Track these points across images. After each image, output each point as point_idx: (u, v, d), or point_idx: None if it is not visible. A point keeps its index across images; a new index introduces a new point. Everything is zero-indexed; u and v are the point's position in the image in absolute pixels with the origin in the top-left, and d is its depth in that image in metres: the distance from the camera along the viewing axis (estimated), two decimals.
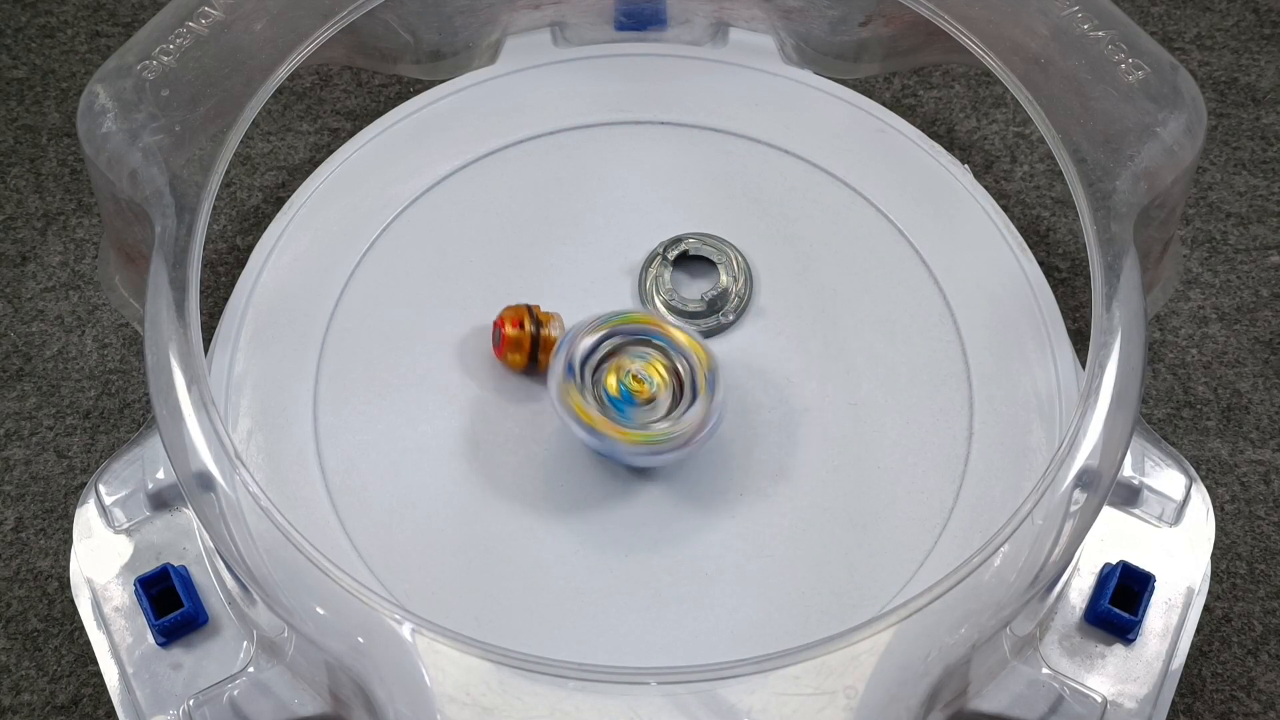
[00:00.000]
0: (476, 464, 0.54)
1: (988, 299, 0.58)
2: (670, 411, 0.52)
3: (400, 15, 0.65)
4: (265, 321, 0.58)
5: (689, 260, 0.59)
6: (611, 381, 0.52)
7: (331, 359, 0.57)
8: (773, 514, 0.53)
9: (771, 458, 0.54)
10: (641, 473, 0.54)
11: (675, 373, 0.53)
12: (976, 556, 0.47)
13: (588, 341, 0.53)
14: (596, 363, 0.53)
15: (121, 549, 0.53)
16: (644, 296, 0.58)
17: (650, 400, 0.52)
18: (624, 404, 0.52)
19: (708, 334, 0.57)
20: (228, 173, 0.55)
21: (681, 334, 0.53)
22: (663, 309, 0.58)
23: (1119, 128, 0.55)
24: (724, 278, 0.58)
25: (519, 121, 0.64)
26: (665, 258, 0.59)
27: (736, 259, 0.59)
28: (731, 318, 0.58)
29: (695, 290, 0.59)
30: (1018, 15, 0.58)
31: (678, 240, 0.59)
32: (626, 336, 0.53)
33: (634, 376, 0.52)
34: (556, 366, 0.52)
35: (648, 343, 0.53)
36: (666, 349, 0.53)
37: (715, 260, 0.59)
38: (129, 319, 0.63)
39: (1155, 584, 0.52)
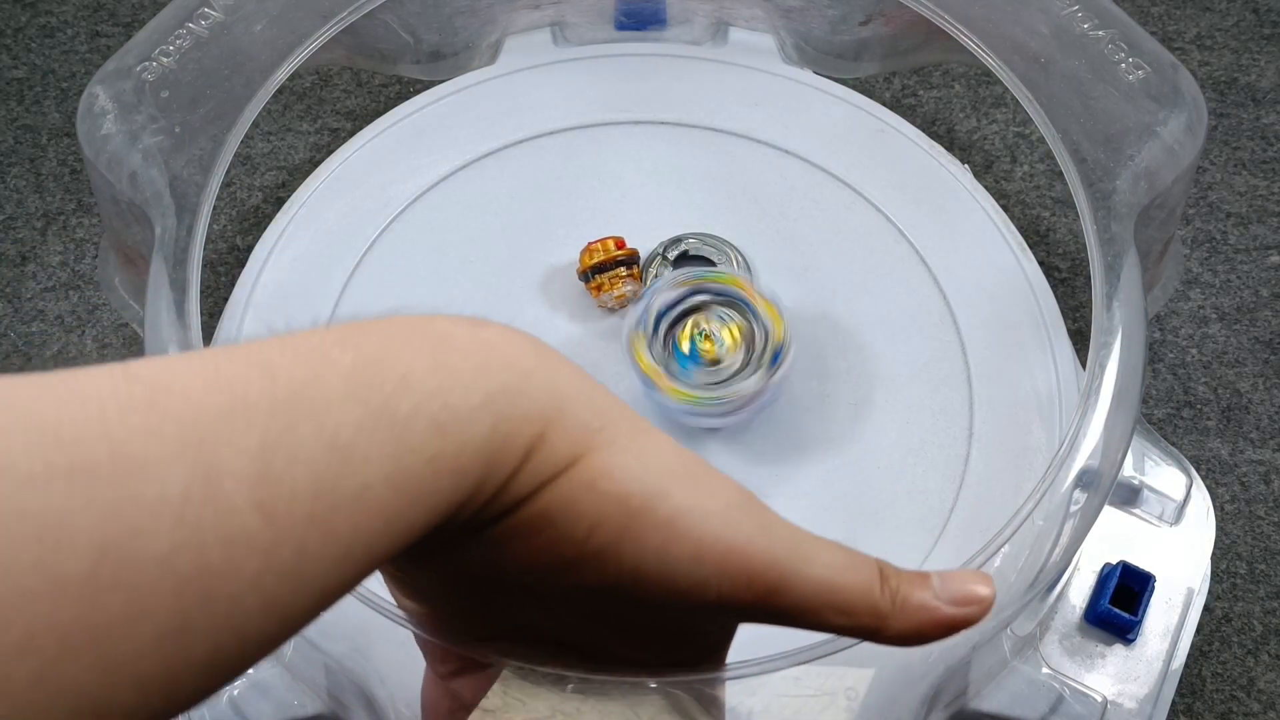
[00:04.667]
0: None
1: (988, 299, 0.58)
2: (735, 375, 0.53)
3: (400, 16, 0.65)
4: (265, 321, 0.58)
5: (690, 260, 0.59)
6: (685, 336, 0.53)
7: None
8: None
9: (772, 457, 0.54)
10: None
11: (750, 338, 0.54)
12: (977, 557, 0.47)
13: (670, 295, 0.54)
14: (675, 317, 0.54)
15: None
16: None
17: (716, 362, 0.53)
18: (689, 360, 0.53)
19: None
20: (228, 173, 0.55)
21: (765, 302, 0.54)
22: None
23: (1119, 127, 0.55)
24: None
25: (519, 121, 0.64)
26: (665, 258, 0.59)
27: (736, 258, 0.59)
28: None
29: None
30: (1018, 15, 0.58)
31: (678, 240, 0.59)
32: (713, 295, 0.54)
33: (706, 335, 0.53)
34: (632, 316, 0.54)
35: (731, 304, 0.54)
36: (748, 313, 0.54)
37: (715, 260, 0.59)
38: (129, 319, 0.63)
39: (1155, 584, 0.52)
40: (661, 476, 0.29)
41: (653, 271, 0.59)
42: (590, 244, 0.58)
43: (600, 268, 0.57)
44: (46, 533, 0.21)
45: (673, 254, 0.59)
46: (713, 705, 0.35)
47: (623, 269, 0.57)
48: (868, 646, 0.46)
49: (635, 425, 0.29)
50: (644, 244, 0.59)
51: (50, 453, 0.22)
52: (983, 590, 0.31)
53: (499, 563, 0.29)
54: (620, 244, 0.57)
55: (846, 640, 0.45)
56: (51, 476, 0.21)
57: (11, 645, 0.20)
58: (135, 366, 0.24)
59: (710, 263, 0.59)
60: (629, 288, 0.57)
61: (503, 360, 0.27)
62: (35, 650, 0.21)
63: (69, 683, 0.21)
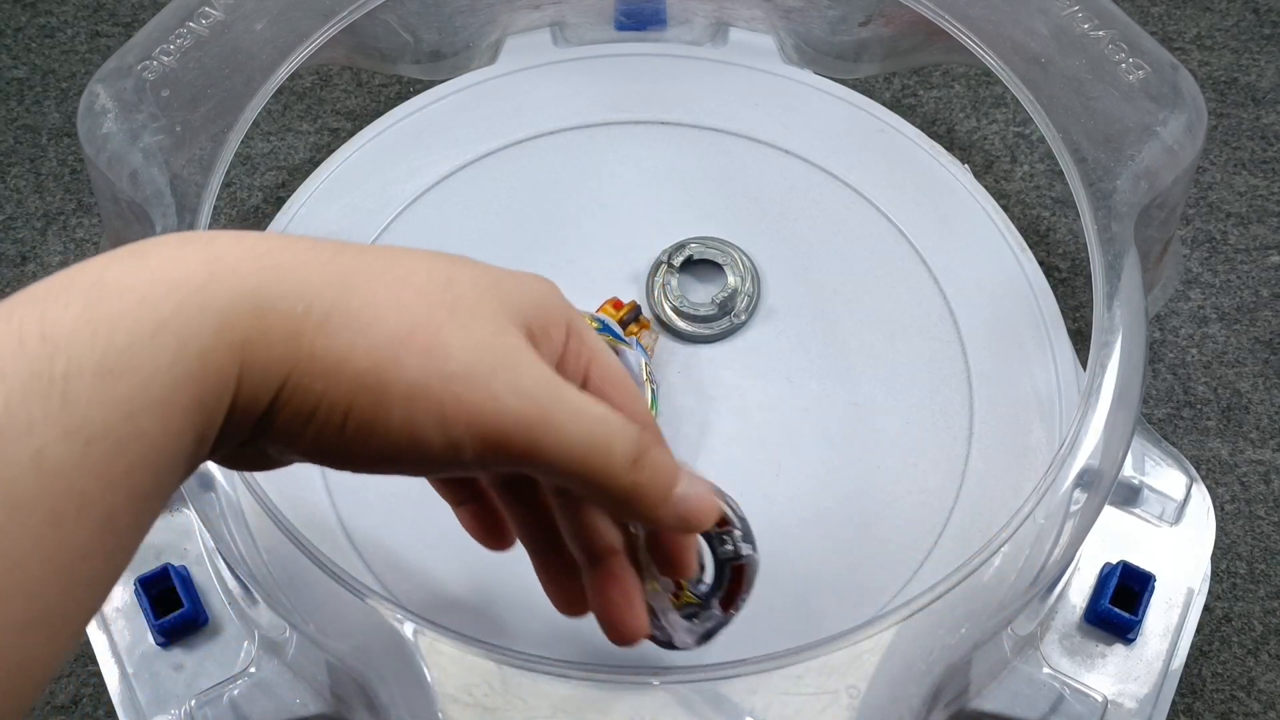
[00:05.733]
0: None
1: (988, 299, 0.58)
2: None
3: (400, 15, 0.65)
4: None
5: (694, 264, 0.59)
6: None
7: None
8: (773, 514, 0.53)
9: (771, 458, 0.54)
10: None
11: None
12: (977, 556, 0.47)
13: None
14: None
15: None
16: (652, 305, 0.58)
17: None
18: None
19: (721, 336, 0.57)
20: (228, 173, 0.55)
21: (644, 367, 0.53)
22: (672, 315, 0.58)
23: (1119, 127, 0.55)
24: (731, 278, 0.58)
25: (519, 121, 0.64)
26: (671, 264, 0.58)
27: (741, 259, 0.59)
28: (744, 318, 0.58)
29: (704, 294, 0.58)
30: (1018, 15, 0.58)
31: (681, 246, 0.59)
32: None
33: None
34: None
35: None
36: None
37: (720, 262, 0.59)
38: None
39: (1155, 584, 0.52)
40: (392, 345, 0.28)
41: (659, 280, 0.58)
42: (590, 319, 0.55)
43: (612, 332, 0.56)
44: None
45: (678, 260, 0.59)
46: None
47: (633, 325, 0.56)
48: (869, 645, 0.46)
49: (345, 289, 0.29)
50: (645, 244, 0.59)
51: None
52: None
53: (296, 452, 0.30)
54: (617, 304, 0.56)
55: (848, 639, 0.45)
56: None
57: None
58: None
59: (716, 266, 0.59)
60: (648, 338, 0.56)
61: (168, 283, 0.27)
62: None
63: None
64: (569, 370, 0.33)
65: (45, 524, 0.25)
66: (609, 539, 0.36)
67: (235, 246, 0.28)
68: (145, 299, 0.27)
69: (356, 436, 0.29)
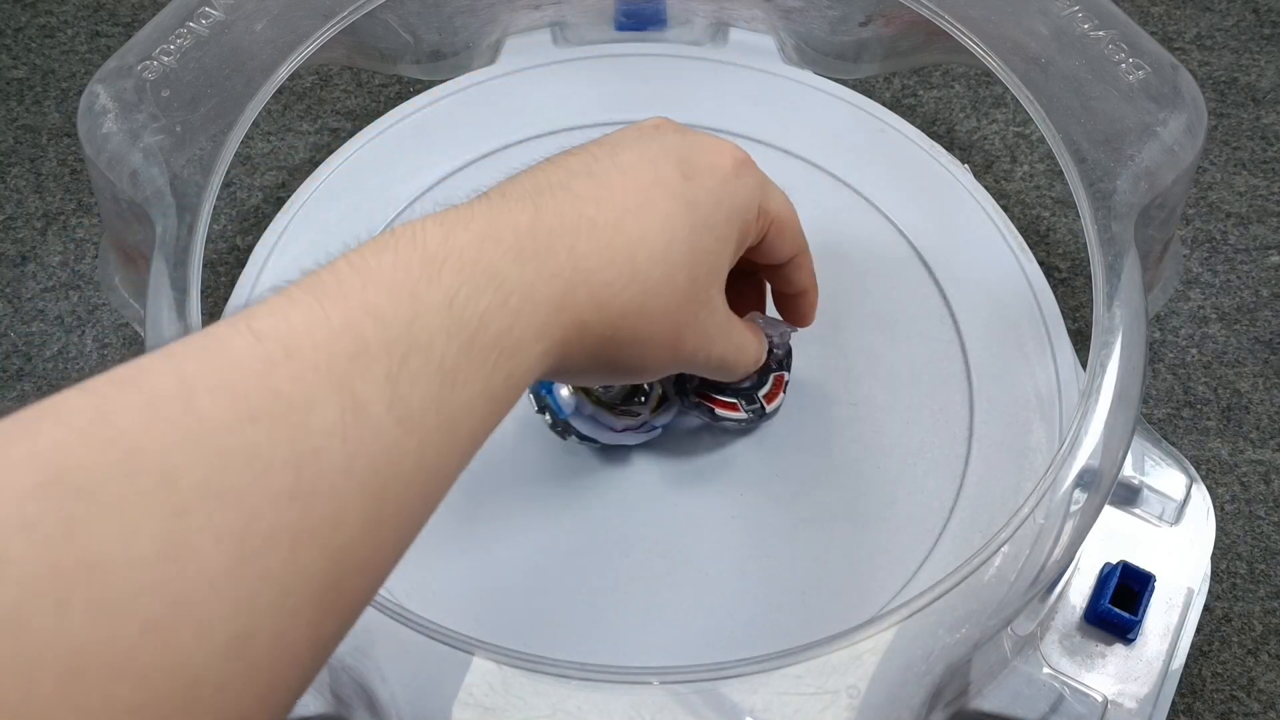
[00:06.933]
0: (476, 464, 0.54)
1: (988, 299, 0.58)
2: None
3: (400, 15, 0.65)
4: None
5: None
6: None
7: None
8: (773, 514, 0.53)
9: (771, 457, 0.54)
10: (641, 473, 0.54)
11: None
12: (977, 556, 0.47)
13: None
14: None
15: None
16: None
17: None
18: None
19: None
20: (228, 173, 0.55)
21: None
22: None
23: (1119, 128, 0.55)
24: None
25: (519, 121, 0.64)
26: None
27: None
28: None
29: None
30: (1018, 15, 0.58)
31: None
32: None
33: None
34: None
35: None
36: None
37: None
38: (129, 319, 0.63)
39: (1155, 584, 0.52)
40: (660, 349, 0.40)
41: None
42: None
43: None
44: (250, 461, 0.27)
45: None
46: None
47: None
48: (869, 645, 0.46)
49: (637, 296, 0.38)
50: None
51: (229, 405, 0.27)
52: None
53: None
54: None
55: (848, 639, 0.45)
56: (237, 422, 0.27)
57: (259, 540, 0.26)
58: (257, 324, 0.29)
59: None
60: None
61: (544, 296, 0.35)
62: (276, 543, 0.27)
63: (307, 568, 0.27)
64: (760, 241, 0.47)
65: (458, 454, 0.33)
66: (800, 286, 0.50)
67: (534, 275, 0.36)
68: (529, 302, 0.35)
69: (635, 373, 0.41)
